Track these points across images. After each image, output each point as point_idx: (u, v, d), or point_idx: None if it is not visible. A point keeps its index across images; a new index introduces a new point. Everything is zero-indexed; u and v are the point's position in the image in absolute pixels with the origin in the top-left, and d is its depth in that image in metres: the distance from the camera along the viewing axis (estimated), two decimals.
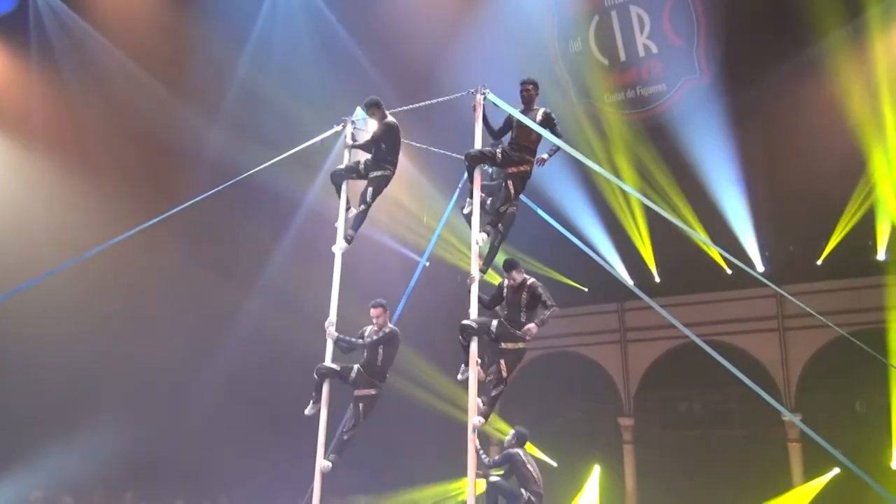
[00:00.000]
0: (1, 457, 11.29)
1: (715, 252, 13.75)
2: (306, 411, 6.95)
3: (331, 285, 7.22)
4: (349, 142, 7.70)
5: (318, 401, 6.95)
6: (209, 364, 13.73)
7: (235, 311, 14.24)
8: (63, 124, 12.94)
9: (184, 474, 13.65)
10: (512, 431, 8.08)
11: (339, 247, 7.33)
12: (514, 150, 6.91)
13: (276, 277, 14.28)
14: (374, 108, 7.36)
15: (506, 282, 6.70)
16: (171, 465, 13.54)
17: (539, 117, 6.86)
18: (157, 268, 13.57)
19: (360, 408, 6.96)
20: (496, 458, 7.80)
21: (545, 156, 7.01)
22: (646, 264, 15.17)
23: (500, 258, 7.36)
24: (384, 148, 7.36)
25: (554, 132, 6.87)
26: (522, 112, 6.89)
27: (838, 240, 13.72)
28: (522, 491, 7.61)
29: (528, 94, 6.99)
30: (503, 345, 6.54)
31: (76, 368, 12.19)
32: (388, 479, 15.65)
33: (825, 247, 13.90)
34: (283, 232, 14.58)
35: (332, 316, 7.13)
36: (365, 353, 7.08)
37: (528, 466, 7.74)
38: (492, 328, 6.49)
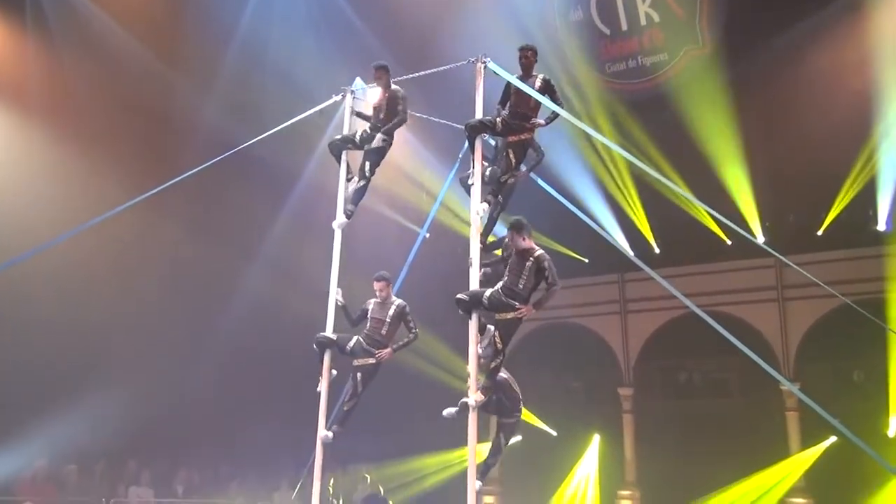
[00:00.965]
0: (5, 426, 11.38)
1: (712, 222, 13.80)
2: (318, 388, 6.92)
3: (330, 256, 7.20)
4: (351, 110, 7.61)
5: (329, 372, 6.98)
6: (211, 334, 13.79)
7: (237, 280, 14.26)
8: (59, 94, 12.81)
9: (186, 443, 13.76)
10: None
11: (338, 223, 7.24)
12: (514, 118, 6.81)
13: (276, 247, 14.28)
14: (381, 72, 7.19)
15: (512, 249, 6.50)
16: (173, 435, 13.66)
17: (538, 84, 6.76)
18: (160, 237, 13.57)
19: (359, 377, 6.99)
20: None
21: (542, 121, 6.86)
22: (648, 234, 15.19)
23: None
24: (382, 117, 7.27)
25: (553, 98, 6.78)
26: (521, 79, 6.81)
27: (839, 210, 13.71)
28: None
29: (528, 61, 6.87)
30: (497, 316, 6.44)
31: (78, 338, 12.23)
32: (390, 448, 15.80)
33: (826, 217, 13.90)
34: (283, 202, 14.54)
35: (332, 292, 7.11)
36: (369, 324, 7.09)
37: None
38: (484, 299, 6.39)
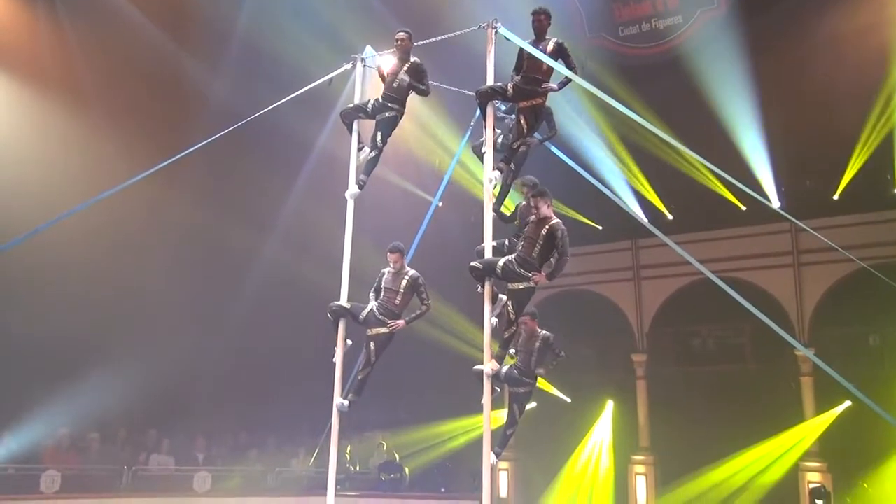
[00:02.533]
0: (29, 395, 11.59)
1: (724, 189, 13.69)
2: (334, 359, 6.95)
3: (344, 225, 7.20)
4: (362, 78, 7.53)
5: (343, 342, 6.99)
6: (229, 304, 13.93)
7: (253, 251, 14.37)
8: (72, 67, 12.85)
9: (205, 411, 13.98)
10: None
11: (351, 193, 7.17)
12: (526, 84, 6.70)
13: (292, 217, 14.34)
14: (407, 40, 7.06)
15: (532, 216, 6.42)
16: (193, 404, 13.88)
17: (550, 48, 6.64)
18: (177, 209, 13.66)
19: (372, 347, 6.97)
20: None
21: (554, 86, 6.75)
22: (660, 201, 15.09)
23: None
24: (396, 87, 7.17)
25: (567, 63, 6.68)
26: (533, 43, 6.70)
27: (854, 171, 13.54)
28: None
29: (541, 25, 6.75)
30: (510, 285, 6.41)
31: (99, 309, 12.41)
32: (405, 415, 15.97)
33: (840, 181, 13.74)
34: (297, 172, 14.55)
35: (346, 263, 7.11)
36: (382, 294, 7.09)
37: None
38: (497, 268, 6.36)
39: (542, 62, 6.59)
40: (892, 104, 12.79)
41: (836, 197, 13.81)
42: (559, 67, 6.59)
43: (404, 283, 7.03)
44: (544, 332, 7.80)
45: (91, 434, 12.20)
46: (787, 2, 13.34)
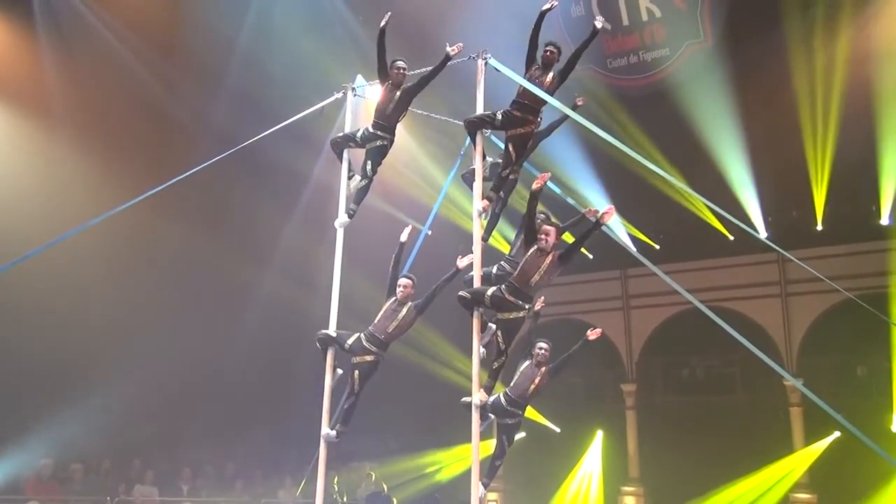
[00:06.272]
0: (10, 425, 11.42)
1: (713, 219, 13.79)
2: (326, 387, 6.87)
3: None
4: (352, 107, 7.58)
5: (332, 370, 6.91)
6: (216, 333, 13.81)
7: (244, 280, 14.30)
8: (67, 96, 12.85)
9: (191, 442, 13.80)
10: None
11: (340, 222, 7.17)
12: (517, 110, 6.73)
13: (284, 247, 14.31)
14: (404, 70, 7.08)
15: (544, 242, 6.25)
16: (178, 434, 13.70)
17: (549, 79, 6.75)
18: (168, 237, 13.60)
19: (356, 375, 6.82)
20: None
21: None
22: (649, 230, 15.14)
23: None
24: (388, 114, 7.15)
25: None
26: (539, 71, 6.75)
27: (823, 201, 13.66)
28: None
29: (551, 55, 6.81)
30: (498, 315, 6.40)
31: (84, 337, 12.27)
32: (394, 445, 15.83)
33: (825, 209, 13.86)
34: (293, 201, 14.55)
35: (336, 291, 7.07)
36: (377, 321, 6.95)
37: None
38: (486, 298, 6.33)
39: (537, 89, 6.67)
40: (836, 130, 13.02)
41: (819, 227, 13.92)
42: (552, 101, 6.65)
43: (404, 311, 6.85)
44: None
45: (74, 464, 11.99)
46: (773, 34, 13.55)
